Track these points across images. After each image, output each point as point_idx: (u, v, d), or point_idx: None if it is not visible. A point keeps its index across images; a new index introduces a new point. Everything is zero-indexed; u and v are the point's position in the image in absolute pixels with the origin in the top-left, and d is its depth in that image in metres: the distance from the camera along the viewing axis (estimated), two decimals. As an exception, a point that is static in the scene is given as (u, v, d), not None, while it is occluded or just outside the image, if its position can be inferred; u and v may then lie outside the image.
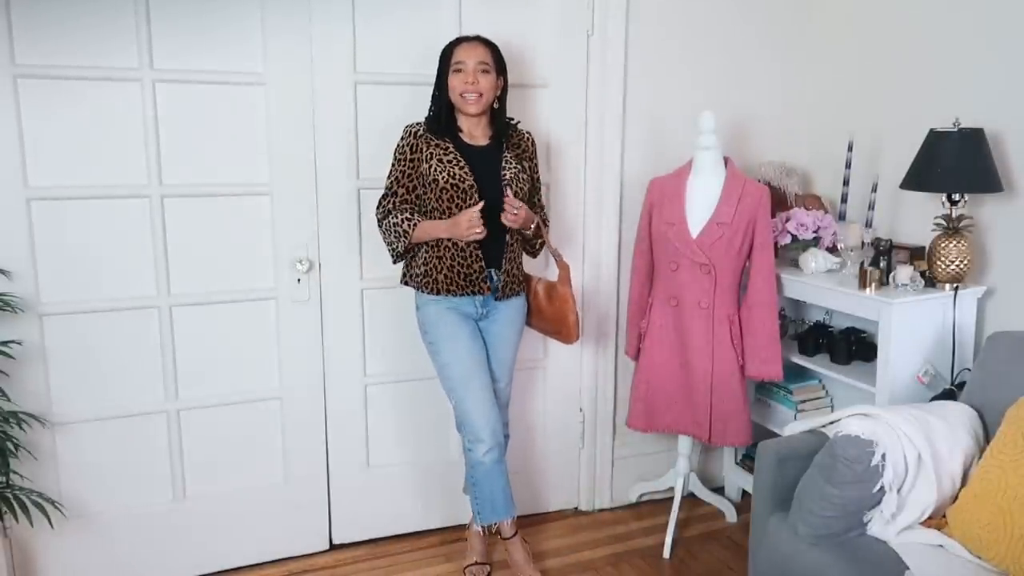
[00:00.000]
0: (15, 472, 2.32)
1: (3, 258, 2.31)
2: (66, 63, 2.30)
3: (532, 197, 2.53)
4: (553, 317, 2.54)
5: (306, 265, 2.62)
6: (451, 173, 2.32)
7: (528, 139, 2.51)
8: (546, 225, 2.56)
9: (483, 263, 2.37)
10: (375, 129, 2.61)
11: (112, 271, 2.44)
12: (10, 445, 2.26)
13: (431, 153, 2.36)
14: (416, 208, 2.42)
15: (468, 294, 2.39)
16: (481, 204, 2.28)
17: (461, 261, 2.36)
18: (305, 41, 2.52)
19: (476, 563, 2.66)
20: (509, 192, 2.33)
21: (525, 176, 2.44)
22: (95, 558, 2.53)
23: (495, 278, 2.42)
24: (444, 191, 2.33)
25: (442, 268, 2.38)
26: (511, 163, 2.41)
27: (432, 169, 2.34)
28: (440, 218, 2.35)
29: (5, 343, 2.29)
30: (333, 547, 2.82)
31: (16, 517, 2.23)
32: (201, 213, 2.51)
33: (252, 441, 2.68)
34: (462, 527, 2.92)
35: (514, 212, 2.30)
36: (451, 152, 2.36)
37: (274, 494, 2.72)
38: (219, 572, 2.68)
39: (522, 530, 2.62)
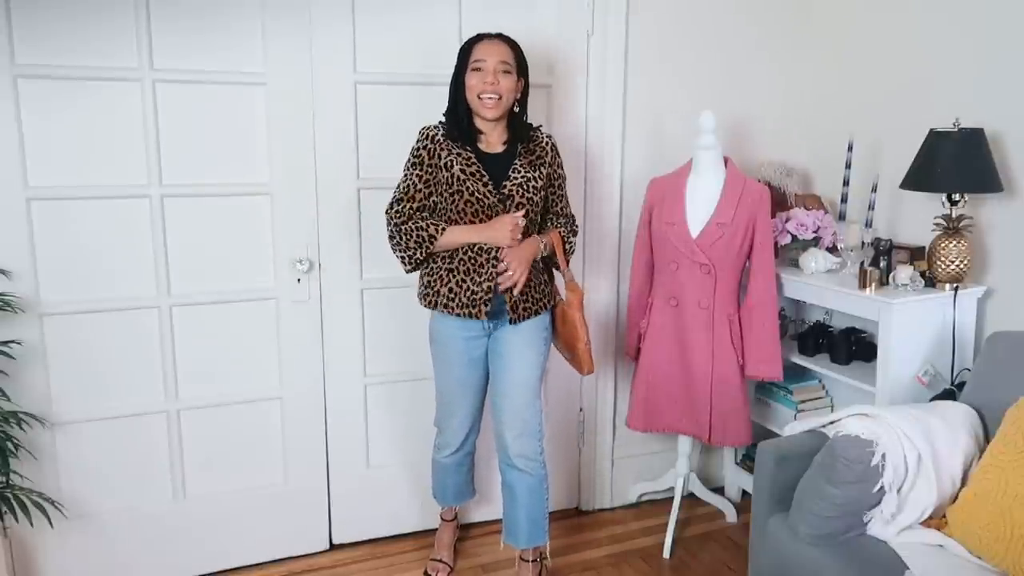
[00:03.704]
0: (15, 472, 2.32)
1: (3, 258, 2.31)
2: (66, 63, 2.30)
3: (548, 205, 2.41)
4: (565, 344, 2.46)
5: (306, 265, 2.62)
6: (476, 188, 2.21)
7: (547, 143, 2.35)
8: (575, 235, 2.45)
9: (493, 284, 2.24)
10: (375, 129, 2.61)
11: (112, 271, 2.44)
12: (10, 445, 2.26)
13: (451, 161, 2.22)
14: (432, 215, 2.30)
15: (464, 315, 2.26)
16: (523, 212, 2.23)
17: (474, 277, 2.24)
18: (305, 41, 2.52)
19: (437, 560, 2.69)
20: (503, 264, 2.23)
21: (537, 185, 2.29)
22: (95, 558, 2.53)
23: (504, 302, 2.28)
24: (468, 204, 2.21)
25: (449, 281, 2.27)
26: (519, 172, 2.27)
27: (455, 179, 2.21)
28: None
29: (5, 343, 2.29)
30: (333, 547, 2.82)
31: (16, 517, 2.23)
32: (201, 213, 2.51)
33: (252, 441, 2.68)
34: (470, 527, 2.93)
35: (508, 274, 2.22)
36: (474, 163, 2.22)
37: (274, 494, 2.72)
38: (219, 572, 2.68)
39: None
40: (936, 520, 2.01)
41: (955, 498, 2.00)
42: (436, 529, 2.77)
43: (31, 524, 2.28)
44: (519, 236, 2.23)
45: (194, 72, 2.43)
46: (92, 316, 2.43)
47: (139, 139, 2.41)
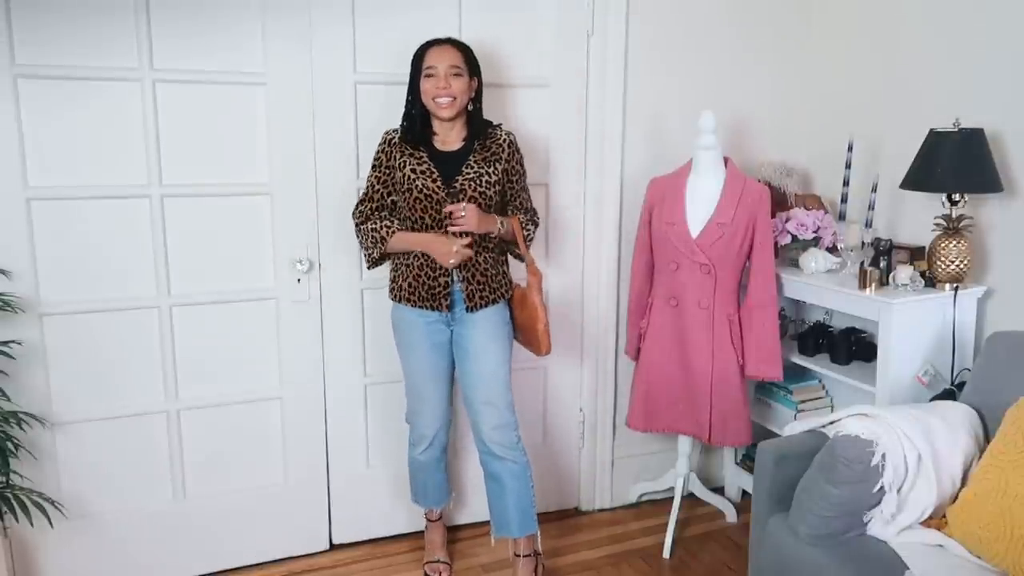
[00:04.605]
0: (15, 472, 2.32)
1: (3, 258, 2.31)
2: (66, 63, 2.30)
3: (506, 200, 2.45)
4: (523, 327, 2.47)
5: (306, 265, 2.62)
6: (424, 185, 2.30)
7: (504, 139, 2.41)
8: (535, 226, 2.50)
9: (449, 278, 2.35)
10: (375, 129, 2.60)
11: (112, 271, 2.44)
12: (10, 445, 2.26)
13: (404, 161, 2.34)
14: (392, 214, 2.41)
15: (428, 308, 2.37)
16: (468, 240, 2.28)
17: (428, 272, 2.35)
18: (305, 41, 2.52)
19: (435, 561, 2.69)
20: (454, 204, 2.28)
21: (491, 180, 2.35)
22: (95, 558, 2.53)
23: (460, 292, 2.36)
24: (418, 201, 2.31)
25: (408, 276, 2.38)
26: (471, 168, 2.34)
27: (406, 178, 2.33)
28: (412, 227, 2.35)
29: (5, 343, 2.29)
30: (333, 547, 2.82)
31: (16, 517, 2.23)
32: (201, 213, 2.51)
33: (252, 441, 2.68)
34: (461, 528, 2.93)
35: (460, 215, 2.25)
36: (424, 162, 2.33)
37: (274, 494, 2.72)
38: (219, 572, 2.68)
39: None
40: (936, 520, 2.01)
41: (955, 498, 2.00)
42: (433, 530, 2.77)
43: (31, 524, 2.28)
44: (454, 260, 2.29)
45: (194, 72, 2.43)
46: (92, 316, 2.43)
47: (139, 139, 2.41)
